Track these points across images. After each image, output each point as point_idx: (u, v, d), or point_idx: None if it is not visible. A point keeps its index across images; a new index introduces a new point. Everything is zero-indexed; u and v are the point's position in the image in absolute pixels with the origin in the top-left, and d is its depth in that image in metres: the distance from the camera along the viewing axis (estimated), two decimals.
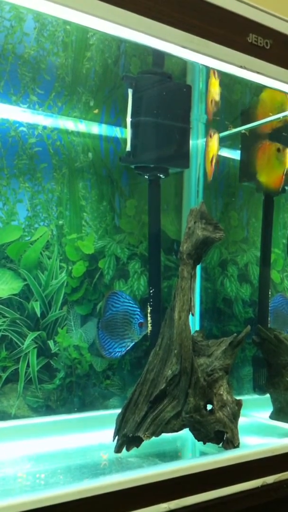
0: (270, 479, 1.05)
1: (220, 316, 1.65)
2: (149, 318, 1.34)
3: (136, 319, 1.31)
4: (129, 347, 1.32)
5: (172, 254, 1.53)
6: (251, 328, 1.24)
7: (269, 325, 1.60)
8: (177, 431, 1.09)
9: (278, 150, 1.44)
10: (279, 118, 1.52)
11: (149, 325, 1.34)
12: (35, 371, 1.27)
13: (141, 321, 1.31)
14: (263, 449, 1.07)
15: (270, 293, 1.64)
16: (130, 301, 1.32)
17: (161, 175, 1.36)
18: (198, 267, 1.27)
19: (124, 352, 1.32)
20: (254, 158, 1.51)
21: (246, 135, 1.58)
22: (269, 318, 1.62)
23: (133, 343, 1.33)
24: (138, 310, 1.32)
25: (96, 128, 1.39)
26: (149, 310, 1.35)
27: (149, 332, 1.34)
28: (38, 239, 1.29)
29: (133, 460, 1.06)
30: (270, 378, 1.43)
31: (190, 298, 1.11)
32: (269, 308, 1.64)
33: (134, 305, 1.32)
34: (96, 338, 1.31)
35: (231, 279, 1.68)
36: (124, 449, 1.08)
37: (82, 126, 1.36)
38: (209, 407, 1.12)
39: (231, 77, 1.20)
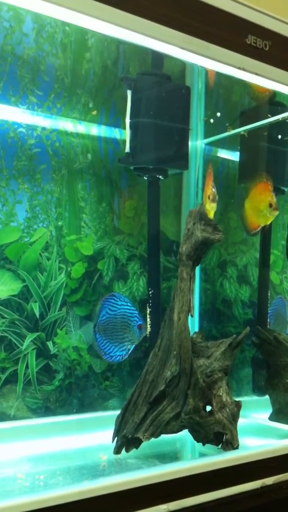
0: (269, 481, 1.04)
1: (219, 317, 1.65)
2: (148, 319, 1.34)
3: (135, 322, 1.30)
4: (130, 350, 1.32)
5: (171, 255, 1.53)
6: (251, 329, 1.24)
7: (268, 326, 1.60)
8: (176, 432, 1.09)
9: (270, 205, 1.45)
10: (278, 119, 1.52)
11: (148, 326, 1.34)
12: (34, 372, 1.27)
13: (140, 323, 1.31)
14: (263, 450, 1.07)
15: (269, 294, 1.64)
16: (128, 304, 1.31)
17: (160, 176, 1.36)
18: (198, 268, 1.27)
19: (125, 356, 1.31)
20: (250, 186, 1.52)
21: (245, 137, 1.59)
22: (268, 320, 1.62)
23: (133, 346, 1.32)
24: (136, 312, 1.31)
25: (95, 129, 1.39)
26: (148, 311, 1.35)
27: (148, 333, 1.34)
28: (37, 240, 1.29)
29: (132, 461, 1.06)
30: (270, 379, 1.43)
31: (190, 299, 1.11)
32: (270, 310, 1.64)
33: (132, 308, 1.31)
34: (94, 342, 1.30)
35: (231, 280, 1.68)
36: (123, 450, 1.08)
37: (81, 127, 1.37)
38: (208, 408, 1.12)
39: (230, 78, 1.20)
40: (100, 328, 1.28)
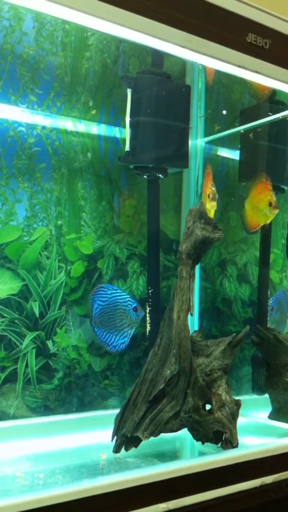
0: (269, 479, 1.04)
1: (219, 316, 1.65)
2: (148, 318, 1.34)
3: (129, 306, 1.30)
4: (131, 335, 1.31)
5: (171, 254, 1.52)
6: (250, 328, 1.24)
7: (269, 314, 1.60)
8: (175, 431, 1.09)
9: (270, 204, 1.45)
10: (279, 117, 1.52)
11: (148, 325, 1.34)
12: (33, 371, 1.27)
13: (134, 305, 1.30)
14: (262, 449, 1.07)
15: (269, 293, 1.64)
16: (118, 291, 1.30)
17: (160, 175, 1.36)
18: (197, 267, 1.27)
19: (128, 341, 1.30)
20: (248, 188, 1.52)
21: (245, 135, 1.58)
22: (270, 306, 1.62)
23: (134, 329, 1.32)
24: (128, 296, 1.31)
25: (95, 128, 1.39)
26: (148, 310, 1.34)
27: (148, 332, 1.34)
28: (37, 239, 1.29)
29: (131, 460, 1.06)
30: (269, 378, 1.43)
31: (189, 298, 1.11)
32: (271, 300, 1.65)
33: (122, 293, 1.30)
34: (94, 337, 1.30)
35: (230, 279, 1.68)
36: (122, 449, 1.08)
37: (81, 126, 1.36)
38: (208, 407, 1.11)
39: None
40: (96, 321, 1.28)
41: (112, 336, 1.29)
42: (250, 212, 1.51)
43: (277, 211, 1.46)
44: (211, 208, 1.36)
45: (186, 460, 1.12)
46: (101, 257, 1.40)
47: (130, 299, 1.30)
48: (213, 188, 1.38)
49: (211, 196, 1.38)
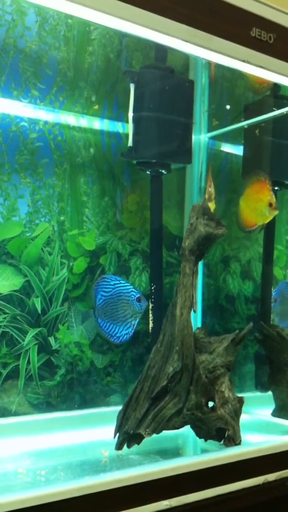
0: (271, 477, 1.04)
1: (222, 313, 1.65)
2: (150, 315, 1.34)
3: (132, 296, 1.29)
4: (135, 325, 1.30)
5: (174, 250, 1.52)
6: (253, 325, 1.23)
7: (272, 305, 1.59)
8: (178, 428, 1.09)
9: (270, 205, 1.43)
10: (283, 112, 1.51)
11: (151, 322, 1.34)
12: (35, 368, 1.27)
13: (138, 296, 1.29)
14: (265, 446, 1.07)
15: (272, 290, 1.63)
16: (121, 281, 1.30)
17: (163, 171, 1.35)
18: (200, 264, 1.26)
19: (132, 332, 1.30)
20: (246, 186, 1.50)
21: (249, 130, 1.57)
22: (273, 297, 1.61)
23: (138, 320, 1.31)
24: (131, 287, 1.30)
25: (98, 123, 1.38)
26: (150, 307, 1.34)
27: (150, 328, 1.34)
28: (39, 235, 1.29)
29: (134, 457, 1.06)
30: (272, 375, 1.42)
31: (192, 295, 1.10)
32: (274, 291, 1.63)
33: (125, 284, 1.30)
34: (98, 328, 1.29)
35: (234, 275, 1.67)
36: (125, 446, 1.08)
37: (83, 121, 1.36)
38: (210, 404, 1.11)
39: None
40: (99, 312, 1.27)
41: (115, 327, 1.28)
42: (245, 210, 1.49)
43: (276, 212, 1.45)
44: None
45: (189, 458, 1.11)
46: (104, 253, 1.39)
47: (133, 289, 1.29)
48: (210, 189, 1.38)
49: (207, 196, 1.38)
